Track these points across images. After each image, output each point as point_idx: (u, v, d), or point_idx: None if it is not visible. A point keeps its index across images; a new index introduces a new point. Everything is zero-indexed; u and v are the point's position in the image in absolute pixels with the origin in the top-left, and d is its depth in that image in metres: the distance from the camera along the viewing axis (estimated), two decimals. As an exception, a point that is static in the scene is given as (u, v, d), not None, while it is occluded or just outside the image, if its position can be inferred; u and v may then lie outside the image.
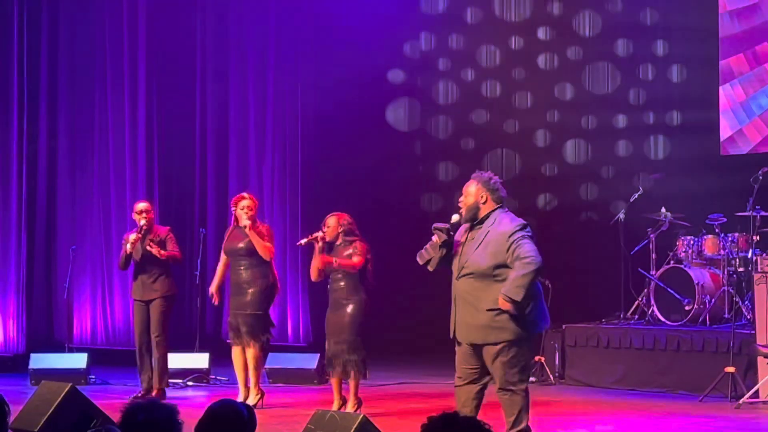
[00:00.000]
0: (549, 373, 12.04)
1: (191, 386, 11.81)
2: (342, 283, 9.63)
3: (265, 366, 11.27)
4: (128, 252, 10.78)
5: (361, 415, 6.58)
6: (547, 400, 10.94)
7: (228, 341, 10.74)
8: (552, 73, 15.49)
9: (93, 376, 12.06)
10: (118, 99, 14.53)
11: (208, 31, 15.05)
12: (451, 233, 7.56)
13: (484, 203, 7.45)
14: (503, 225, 7.33)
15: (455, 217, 7.55)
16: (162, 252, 10.66)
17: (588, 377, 11.96)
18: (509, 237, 7.20)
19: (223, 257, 10.63)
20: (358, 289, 9.61)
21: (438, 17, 15.79)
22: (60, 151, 14.78)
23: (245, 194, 10.56)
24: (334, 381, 9.72)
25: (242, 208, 10.31)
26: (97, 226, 14.54)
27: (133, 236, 10.80)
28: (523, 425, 7.29)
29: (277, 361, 11.90)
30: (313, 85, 14.72)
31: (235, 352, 10.35)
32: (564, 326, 12.25)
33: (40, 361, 12.14)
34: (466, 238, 7.48)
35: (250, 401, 10.16)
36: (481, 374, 7.40)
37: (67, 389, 7.98)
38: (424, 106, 15.99)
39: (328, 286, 9.80)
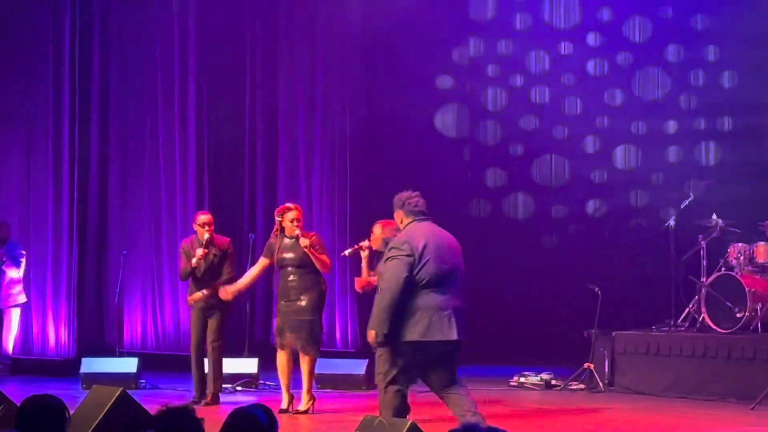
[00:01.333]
0: (598, 380, 11.97)
1: (240, 391, 11.86)
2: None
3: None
4: (193, 265, 10.84)
5: (410, 422, 6.58)
6: (597, 407, 10.89)
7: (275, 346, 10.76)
8: (601, 78, 15.43)
9: (143, 381, 12.13)
10: (169, 105, 14.63)
11: (257, 39, 15.12)
12: None
13: (401, 222, 8.00)
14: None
15: None
16: (226, 288, 10.68)
17: (637, 384, 11.88)
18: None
19: (261, 262, 10.61)
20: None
21: (486, 23, 15.77)
22: (111, 157, 14.90)
23: (290, 205, 10.51)
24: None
25: (291, 221, 10.30)
26: (147, 232, 14.64)
27: (200, 251, 10.81)
28: None
29: (325, 366, 11.91)
30: (362, 91, 14.75)
31: (281, 357, 10.37)
32: (614, 333, 12.18)
33: (91, 365, 12.23)
34: None
35: (302, 407, 10.20)
36: None
37: (118, 394, 8.02)
38: (472, 111, 15.97)
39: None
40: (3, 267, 13.40)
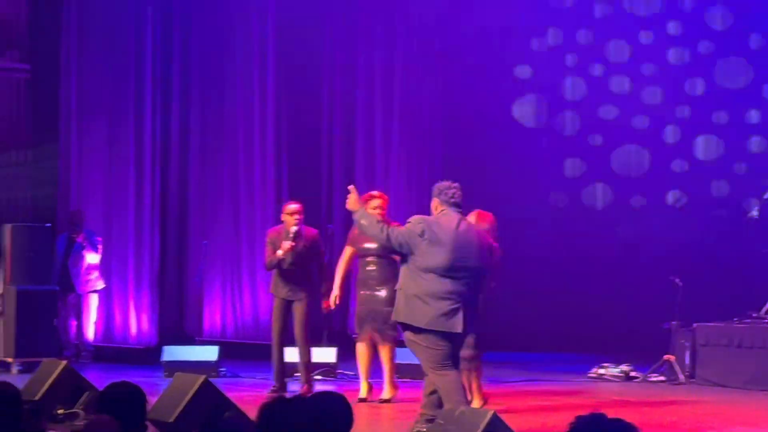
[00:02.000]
0: (678, 372, 11.85)
1: (319, 380, 11.90)
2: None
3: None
4: (280, 257, 10.83)
5: (491, 411, 6.57)
6: (677, 399, 10.79)
7: (355, 336, 10.80)
8: (682, 67, 15.27)
9: (223, 369, 12.23)
10: (248, 96, 14.74)
11: (336, 29, 15.16)
12: None
13: (435, 209, 8.26)
14: None
15: None
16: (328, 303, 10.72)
17: (719, 377, 11.73)
18: None
19: (347, 252, 10.63)
20: (482, 288, 9.53)
21: (565, 12, 15.68)
22: (191, 148, 15.05)
23: (375, 193, 10.44)
24: (462, 377, 9.68)
25: (374, 208, 10.27)
26: (227, 222, 14.77)
27: (287, 244, 10.78)
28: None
29: (404, 356, 11.82)
30: (440, 81, 14.74)
31: (360, 347, 10.38)
32: (695, 325, 12.04)
33: (173, 353, 12.36)
34: None
35: (385, 396, 10.22)
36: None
37: (200, 381, 8.11)
38: (551, 101, 15.89)
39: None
40: (83, 252, 13.66)
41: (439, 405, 7.99)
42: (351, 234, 10.54)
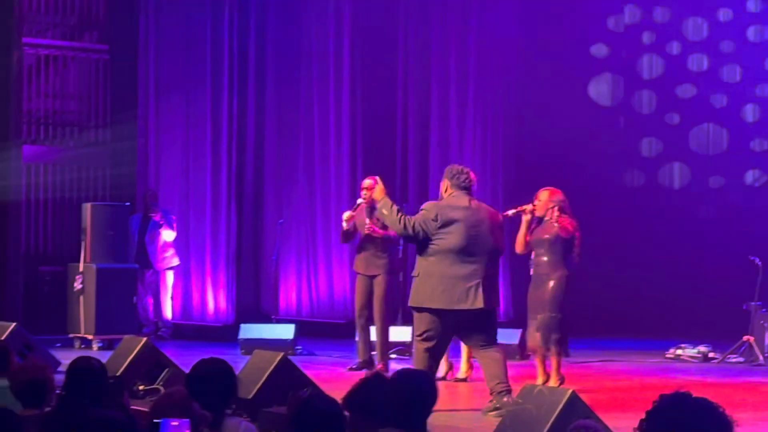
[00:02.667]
0: (758, 353, 11.71)
1: (394, 359, 11.92)
2: (545, 258, 9.56)
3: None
4: (344, 229, 10.90)
5: (570, 390, 6.55)
6: (756, 380, 10.69)
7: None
8: (762, 45, 15.05)
9: (300, 347, 12.31)
10: (323, 73, 14.77)
11: (411, 7, 15.13)
12: None
13: (445, 191, 8.51)
14: None
15: None
16: (379, 231, 10.73)
17: (799, 358, 11.59)
18: None
19: None
20: (560, 265, 9.52)
21: (642, -11, 15.52)
22: (267, 127, 15.14)
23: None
24: (537, 357, 9.69)
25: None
26: (302, 200, 14.84)
27: (346, 214, 10.91)
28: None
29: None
30: (515, 60, 14.66)
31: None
32: (775, 305, 11.91)
33: (250, 331, 12.47)
34: None
35: (461, 375, 10.24)
36: None
37: (279, 358, 8.18)
38: (627, 80, 15.75)
39: (530, 261, 9.75)
40: (160, 230, 13.84)
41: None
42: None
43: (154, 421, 4.47)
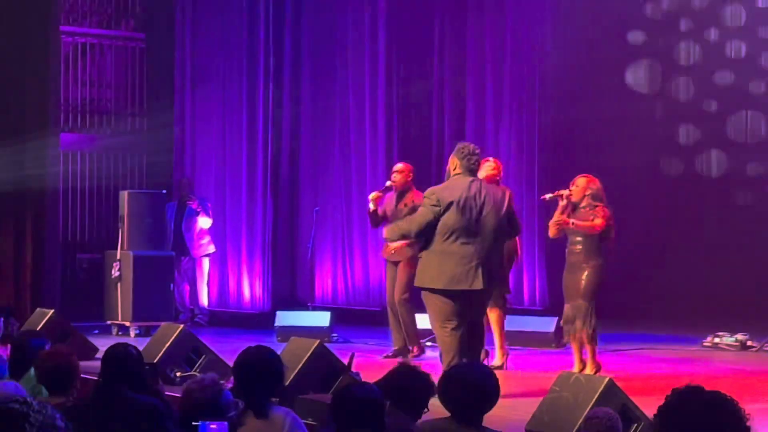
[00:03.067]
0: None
1: (429, 347, 11.92)
2: (580, 247, 9.50)
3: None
4: (371, 210, 10.89)
5: (607, 378, 6.53)
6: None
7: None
8: (801, 31, 14.91)
9: (336, 335, 12.33)
10: (359, 63, 14.76)
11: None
12: None
13: (454, 169, 8.63)
14: None
15: None
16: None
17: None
18: None
19: None
20: (596, 254, 9.46)
21: (680, -24, 15.40)
22: (302, 115, 15.16)
23: (489, 159, 10.55)
24: (573, 345, 9.65)
25: (483, 169, 10.29)
26: (337, 189, 14.85)
27: (373, 194, 10.91)
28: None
29: (514, 323, 11.82)
30: (551, 46, 14.59)
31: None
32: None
33: (286, 318, 12.51)
34: None
35: (496, 362, 10.21)
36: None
37: (315, 346, 8.20)
38: (664, 67, 15.64)
39: (567, 249, 9.71)
40: (197, 217, 13.92)
41: None
42: None
43: (193, 423, 4.50)
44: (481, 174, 10.25)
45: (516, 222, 8.89)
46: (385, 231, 9.00)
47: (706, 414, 3.19)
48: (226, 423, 4.54)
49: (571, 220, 9.41)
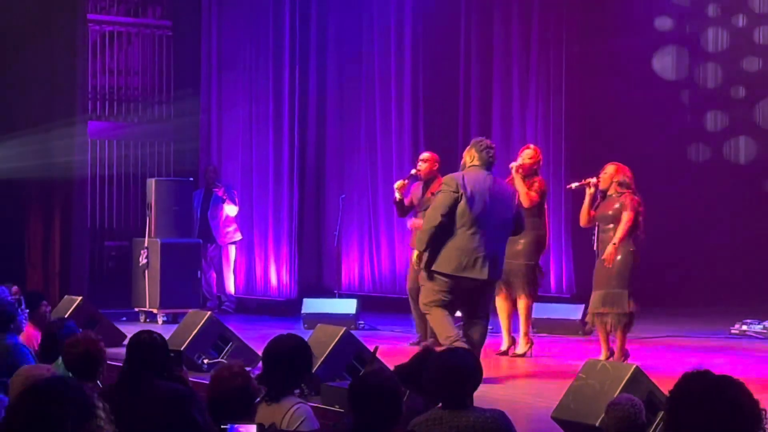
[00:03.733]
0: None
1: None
2: (611, 234, 9.48)
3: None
4: (396, 199, 10.85)
5: (634, 366, 6.51)
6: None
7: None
8: (830, 16, 14.80)
9: (362, 322, 12.35)
10: (385, 50, 14.75)
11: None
12: None
13: (471, 159, 8.82)
14: None
15: None
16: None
17: None
18: None
19: None
20: (627, 241, 9.44)
21: (708, -39, 15.31)
22: (328, 102, 15.16)
23: (531, 145, 10.61)
24: (600, 332, 9.63)
25: (522, 157, 10.32)
26: (364, 176, 14.86)
27: (398, 183, 10.88)
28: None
29: (541, 311, 11.81)
30: (577, 33, 14.52)
31: (500, 301, 10.37)
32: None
33: (312, 306, 12.52)
34: None
35: (520, 350, 10.21)
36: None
37: (341, 333, 8.20)
38: (692, 53, 15.55)
39: (593, 237, 9.69)
40: (223, 204, 13.95)
41: None
42: None
43: (222, 426, 4.52)
44: (519, 162, 10.27)
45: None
46: (414, 242, 9.12)
47: (716, 398, 3.18)
48: (254, 426, 4.56)
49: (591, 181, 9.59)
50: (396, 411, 4.53)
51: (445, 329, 8.56)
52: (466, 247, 8.57)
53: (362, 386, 4.61)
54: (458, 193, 8.56)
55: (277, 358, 5.34)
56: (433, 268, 8.66)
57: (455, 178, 8.68)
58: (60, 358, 6.36)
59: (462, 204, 8.58)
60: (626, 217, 9.34)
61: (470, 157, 8.80)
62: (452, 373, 4.88)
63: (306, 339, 8.59)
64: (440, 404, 4.91)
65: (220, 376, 4.94)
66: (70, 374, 5.93)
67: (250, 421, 4.84)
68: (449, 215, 8.58)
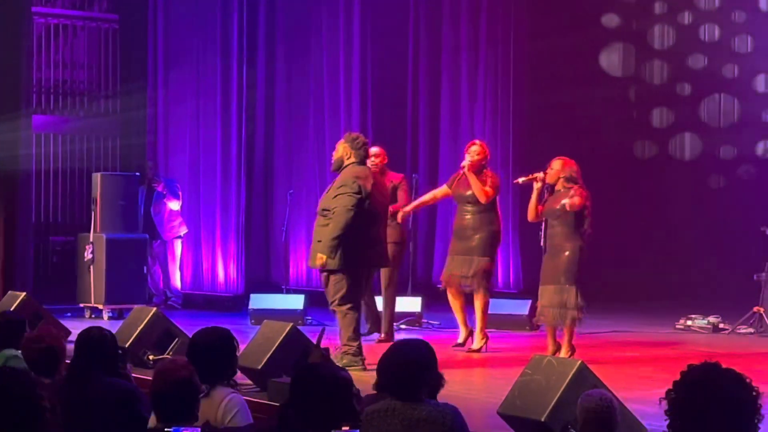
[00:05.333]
0: (768, 324, 11.70)
1: (404, 329, 11.94)
2: (559, 229, 9.52)
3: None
4: None
5: (579, 361, 6.52)
6: (766, 351, 10.66)
7: (439, 286, 10.80)
8: (775, 15, 14.95)
9: (309, 317, 12.32)
10: (333, 46, 14.72)
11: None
12: None
13: (347, 157, 9.09)
14: (342, 177, 9.03)
15: None
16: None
17: (809, 329, 11.55)
18: (338, 188, 8.97)
19: (440, 190, 10.79)
20: (574, 236, 9.49)
21: (654, -41, 15.42)
22: (277, 97, 15.11)
23: (477, 141, 10.60)
24: (548, 328, 9.68)
25: (470, 153, 10.32)
26: (312, 171, 14.82)
27: None
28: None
29: (497, 307, 11.82)
30: (525, 29, 14.58)
31: (452, 295, 10.39)
32: (785, 276, 11.86)
33: (259, 301, 12.48)
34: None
35: (476, 345, 10.22)
36: None
37: (288, 329, 8.18)
38: (639, 50, 15.67)
39: (541, 233, 9.73)
40: (165, 200, 13.85)
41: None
42: (453, 176, 10.58)
43: (166, 429, 4.48)
44: (468, 159, 10.28)
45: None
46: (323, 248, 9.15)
47: (721, 390, 3.23)
48: (199, 429, 4.53)
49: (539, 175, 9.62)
50: (341, 405, 4.42)
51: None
52: (371, 240, 9.03)
53: (307, 377, 4.50)
54: (361, 194, 8.87)
55: (197, 350, 5.32)
56: (346, 267, 9.04)
57: (356, 180, 8.90)
58: (12, 351, 6.34)
59: (366, 202, 8.89)
60: (575, 200, 9.38)
61: (346, 154, 9.10)
62: (408, 365, 4.85)
63: (253, 335, 8.64)
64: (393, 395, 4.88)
65: (164, 369, 4.90)
66: (31, 370, 5.88)
67: (195, 418, 4.80)
68: (353, 217, 8.88)
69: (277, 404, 6.98)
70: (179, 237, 14.16)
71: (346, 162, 9.05)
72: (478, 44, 14.65)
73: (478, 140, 10.74)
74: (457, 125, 14.66)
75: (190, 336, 9.05)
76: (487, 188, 10.22)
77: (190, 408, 4.79)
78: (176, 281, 14.16)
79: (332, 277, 9.09)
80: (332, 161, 9.30)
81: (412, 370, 4.84)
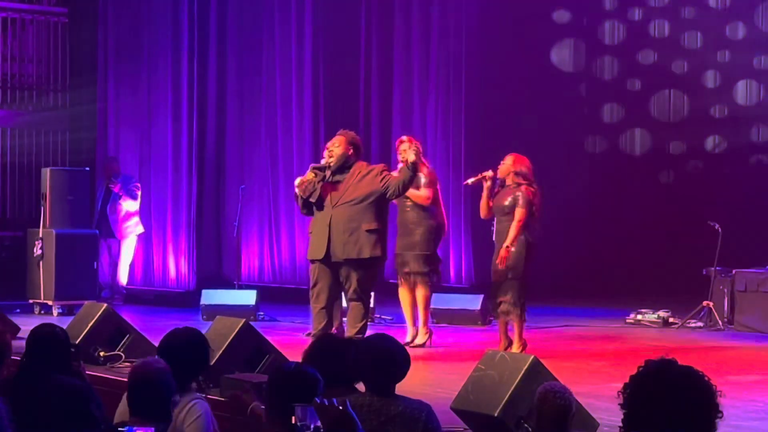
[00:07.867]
0: (717, 318, 11.81)
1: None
2: (506, 224, 9.55)
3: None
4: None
5: (532, 357, 6.56)
6: (716, 345, 10.77)
7: (392, 281, 10.80)
8: (723, 11, 15.09)
9: (262, 313, 12.28)
10: (285, 40, 14.68)
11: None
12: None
13: (351, 154, 9.56)
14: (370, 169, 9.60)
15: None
16: None
17: (758, 323, 11.67)
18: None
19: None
20: (521, 231, 9.52)
21: (605, -45, 15.51)
22: (229, 92, 15.04)
23: (404, 137, 10.40)
24: (499, 322, 9.71)
25: (401, 152, 10.21)
26: (264, 166, 14.78)
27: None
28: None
29: (440, 301, 11.86)
30: (477, 26, 14.61)
31: (402, 292, 10.40)
32: (734, 271, 11.97)
33: (211, 297, 12.42)
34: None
35: (419, 340, 10.23)
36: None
37: (241, 325, 8.14)
38: (589, 46, 15.76)
39: (492, 228, 9.76)
40: (120, 201, 13.73)
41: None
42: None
43: (120, 429, 4.45)
44: (402, 159, 10.22)
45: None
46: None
47: (677, 386, 3.24)
48: (152, 428, 4.50)
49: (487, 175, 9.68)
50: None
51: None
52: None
53: (283, 378, 4.51)
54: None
55: (171, 353, 5.28)
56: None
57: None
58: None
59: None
60: (519, 214, 9.40)
61: (348, 148, 9.62)
62: (385, 359, 4.86)
63: (205, 331, 8.59)
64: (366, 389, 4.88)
65: (141, 368, 4.88)
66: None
67: (169, 417, 4.79)
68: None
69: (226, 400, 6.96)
70: (137, 235, 14.02)
71: (352, 157, 9.61)
72: (429, 39, 14.65)
73: (405, 136, 10.48)
74: (409, 120, 14.66)
75: (147, 333, 9.08)
76: (422, 192, 10.20)
77: (165, 406, 4.77)
78: (122, 277, 14.02)
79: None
80: (330, 156, 9.60)
81: (389, 363, 4.86)
